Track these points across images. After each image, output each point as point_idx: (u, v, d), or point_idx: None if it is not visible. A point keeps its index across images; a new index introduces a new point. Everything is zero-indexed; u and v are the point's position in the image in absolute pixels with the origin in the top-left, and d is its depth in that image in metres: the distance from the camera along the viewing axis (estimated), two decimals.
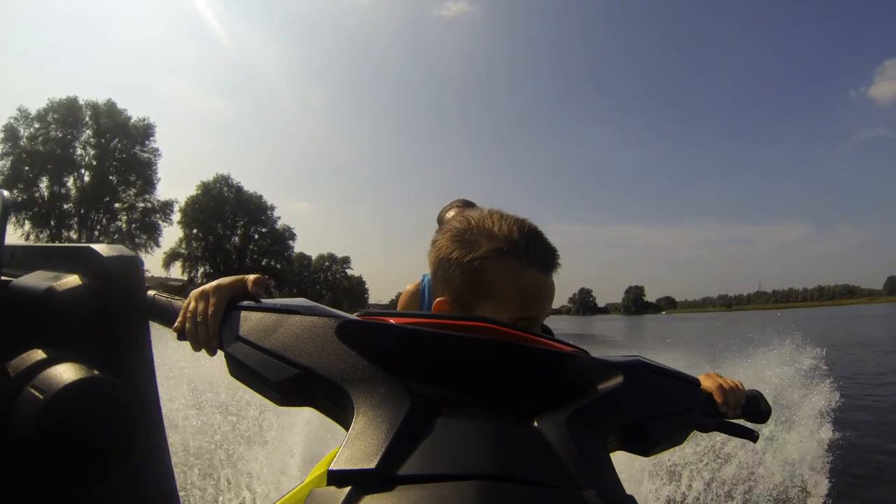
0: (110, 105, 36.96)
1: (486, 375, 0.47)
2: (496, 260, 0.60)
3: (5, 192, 0.37)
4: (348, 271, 68.62)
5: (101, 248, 0.42)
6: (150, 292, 0.63)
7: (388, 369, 0.46)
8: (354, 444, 0.41)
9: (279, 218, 49.43)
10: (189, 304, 0.59)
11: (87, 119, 36.30)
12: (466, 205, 1.85)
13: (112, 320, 0.40)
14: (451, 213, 1.86)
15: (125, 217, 37.99)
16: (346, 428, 0.46)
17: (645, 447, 0.55)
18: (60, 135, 35.02)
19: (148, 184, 37.83)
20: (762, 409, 0.75)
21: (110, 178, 37.06)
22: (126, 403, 0.35)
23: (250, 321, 0.54)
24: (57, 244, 0.46)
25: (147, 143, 37.68)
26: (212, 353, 0.58)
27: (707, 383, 0.70)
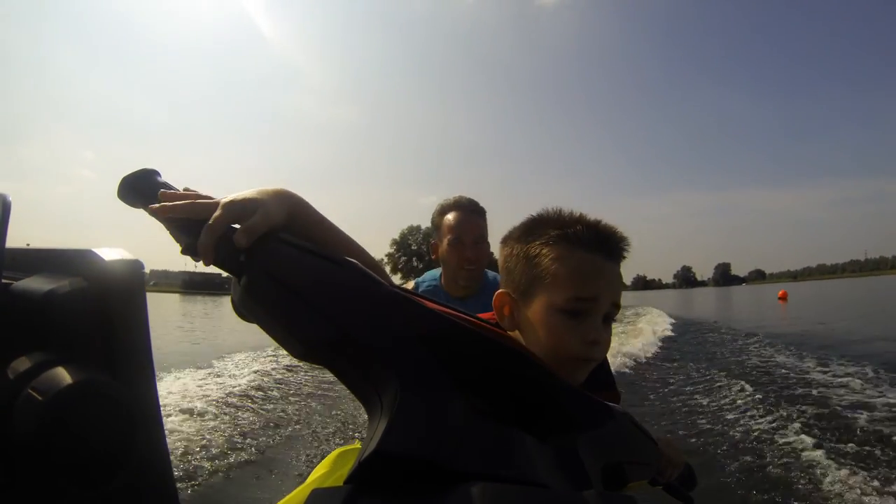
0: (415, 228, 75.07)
1: (514, 388, 0.48)
2: (550, 245, 0.62)
3: (7, 195, 0.37)
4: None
5: (102, 252, 0.42)
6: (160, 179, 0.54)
7: (435, 355, 0.45)
8: (404, 428, 0.40)
9: None
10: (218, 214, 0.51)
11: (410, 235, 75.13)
12: (471, 204, 1.69)
13: (112, 323, 0.40)
14: (450, 216, 1.67)
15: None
16: (367, 401, 0.45)
17: (614, 487, 0.58)
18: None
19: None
20: (693, 482, 0.88)
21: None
22: (126, 405, 0.35)
23: (286, 258, 0.47)
24: (58, 248, 0.46)
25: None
26: (206, 263, 0.51)
27: (661, 445, 0.77)
